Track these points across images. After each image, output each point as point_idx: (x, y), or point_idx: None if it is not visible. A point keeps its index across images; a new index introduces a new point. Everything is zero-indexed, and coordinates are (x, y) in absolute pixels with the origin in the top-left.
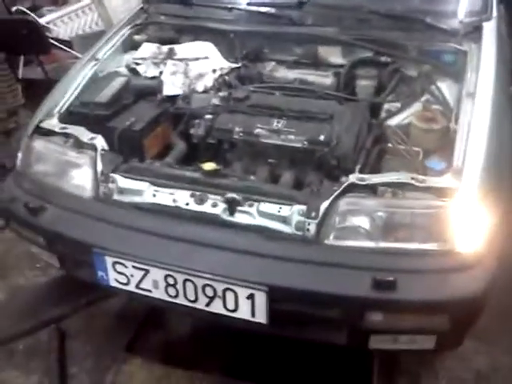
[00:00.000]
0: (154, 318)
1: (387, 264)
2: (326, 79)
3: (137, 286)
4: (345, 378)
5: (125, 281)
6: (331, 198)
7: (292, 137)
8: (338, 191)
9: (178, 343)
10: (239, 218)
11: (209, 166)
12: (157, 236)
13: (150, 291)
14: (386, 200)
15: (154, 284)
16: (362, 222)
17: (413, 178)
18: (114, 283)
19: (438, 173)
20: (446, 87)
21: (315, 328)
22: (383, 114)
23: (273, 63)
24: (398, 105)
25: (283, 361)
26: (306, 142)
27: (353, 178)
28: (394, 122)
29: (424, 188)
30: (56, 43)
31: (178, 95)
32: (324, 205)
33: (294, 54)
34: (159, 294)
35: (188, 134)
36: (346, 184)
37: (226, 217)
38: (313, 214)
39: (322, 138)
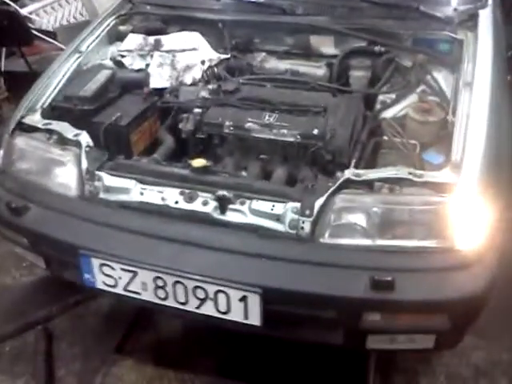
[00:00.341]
0: (144, 318)
1: (385, 263)
2: (319, 70)
3: (125, 289)
4: (340, 376)
5: (112, 283)
6: (326, 195)
7: (284, 131)
8: (333, 187)
9: (169, 343)
10: (231, 216)
11: (198, 162)
12: (145, 236)
13: (138, 293)
14: (383, 196)
15: (142, 286)
16: (359, 219)
17: (410, 173)
18: (101, 286)
19: (436, 167)
20: (442, 77)
21: (310, 329)
22: (378, 106)
23: (263, 54)
24: (393, 96)
25: (277, 360)
26: (298, 137)
27: (348, 173)
28: (389, 114)
29: (422, 183)
30: (39, 34)
31: (165, 88)
32: (319, 202)
33: (285, 44)
34: (148, 296)
35: (176, 128)
36: (341, 180)
37: (216, 215)
38: (307, 212)
39: (315, 131)
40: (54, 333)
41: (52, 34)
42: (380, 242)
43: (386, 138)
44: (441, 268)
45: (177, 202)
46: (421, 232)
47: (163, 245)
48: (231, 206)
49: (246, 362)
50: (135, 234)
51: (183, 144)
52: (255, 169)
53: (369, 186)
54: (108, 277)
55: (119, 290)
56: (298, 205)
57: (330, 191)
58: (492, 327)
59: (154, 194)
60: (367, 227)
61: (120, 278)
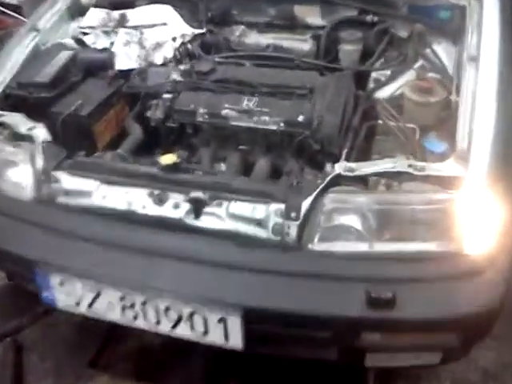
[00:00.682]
0: (120, 329)
1: (383, 272)
2: (304, 45)
3: (89, 308)
4: (339, 380)
5: (74, 302)
6: (314, 195)
7: (266, 118)
8: (322, 185)
9: (148, 355)
10: (206, 221)
11: (167, 158)
12: (109, 247)
13: (104, 313)
14: (380, 195)
15: (108, 306)
16: (352, 221)
17: (410, 166)
18: (62, 305)
19: (439, 157)
20: (442, 50)
21: (300, 346)
22: (371, 85)
23: (242, 27)
24: (388, 73)
25: (268, 365)
26: (282, 124)
27: (339, 167)
28: (383, 93)
29: (424, 177)
30: (2, 8)
31: (132, 69)
32: (306, 203)
33: (267, 15)
34: (116, 316)
35: (145, 117)
36: (330, 176)
37: (190, 220)
38: (292, 215)
39: (300, 118)
40: (23, 345)
41: (17, 8)
42: (377, 246)
43: (380, 121)
44: (448, 276)
45: (144, 207)
46: (424, 234)
47: (129, 257)
48: (206, 210)
49: (234, 370)
50: (98, 245)
51: (154, 134)
52: (234, 160)
53: (363, 181)
54: (69, 295)
55: (83, 310)
56: (282, 206)
57: (318, 190)
58: (502, 327)
59: (118, 197)
60: (362, 230)
61: (82, 296)
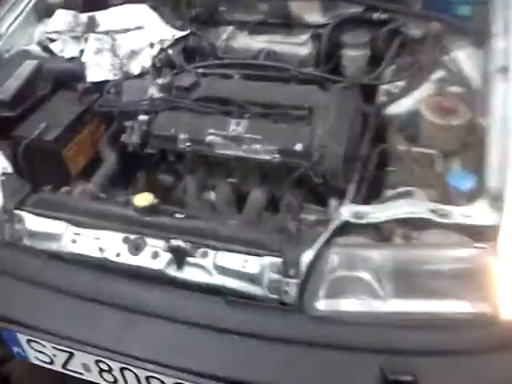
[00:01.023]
0: None
1: (403, 342)
2: (302, 49)
3: (64, 367)
4: None
5: (47, 360)
6: (317, 248)
7: (257, 146)
8: (326, 236)
9: None
10: (189, 273)
11: (142, 199)
12: (81, 301)
13: (81, 373)
14: (396, 250)
15: (84, 367)
16: (363, 279)
17: (432, 211)
18: (35, 361)
19: (465, 195)
20: (464, 57)
21: None
22: (381, 98)
23: (231, 28)
24: (402, 84)
25: None
26: (276, 155)
27: (346, 212)
28: (396, 109)
29: (449, 225)
30: None
31: (106, 81)
32: (306, 257)
33: (259, 11)
34: (94, 378)
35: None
36: (335, 225)
37: (171, 272)
38: (291, 272)
39: (298, 147)
40: (11, 376)
41: None
42: (392, 310)
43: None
44: (483, 348)
45: (119, 255)
46: (451, 295)
47: (103, 314)
48: (190, 260)
49: None
50: (67, 298)
51: (131, 159)
52: (225, 191)
53: (376, 228)
54: (41, 353)
55: (58, 368)
56: (278, 260)
57: (321, 242)
58: None
59: (90, 242)
60: (375, 287)
61: (55, 355)
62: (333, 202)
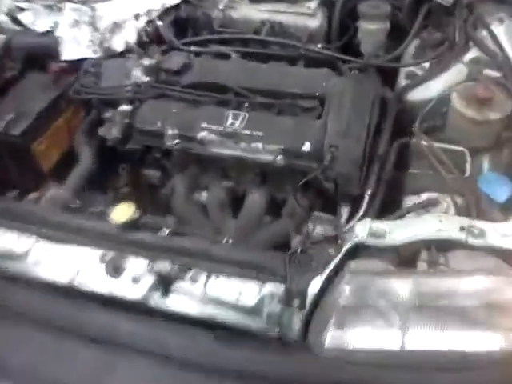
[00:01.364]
0: None
1: None
2: (312, 20)
3: None
4: None
5: None
6: (325, 275)
7: (258, 145)
8: (336, 261)
9: None
10: (176, 302)
11: (122, 213)
12: (49, 334)
13: None
14: (420, 278)
15: None
16: (379, 312)
17: (463, 229)
18: None
19: (500, 208)
20: (505, 33)
21: None
22: (402, 81)
23: None
24: (427, 65)
25: None
26: (280, 156)
27: (361, 230)
28: (419, 94)
29: (483, 248)
30: None
31: (84, 59)
32: (313, 286)
33: None
34: None
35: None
36: (348, 246)
37: (155, 300)
38: (295, 302)
39: (306, 147)
40: None
41: None
42: (414, 345)
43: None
44: None
45: (94, 278)
46: (485, 329)
47: (75, 351)
48: (176, 286)
49: None
50: (34, 330)
51: (112, 154)
52: (218, 193)
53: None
54: None
55: None
56: (279, 288)
57: (330, 268)
58: None
59: (60, 263)
60: (393, 322)
61: None
62: (344, 210)
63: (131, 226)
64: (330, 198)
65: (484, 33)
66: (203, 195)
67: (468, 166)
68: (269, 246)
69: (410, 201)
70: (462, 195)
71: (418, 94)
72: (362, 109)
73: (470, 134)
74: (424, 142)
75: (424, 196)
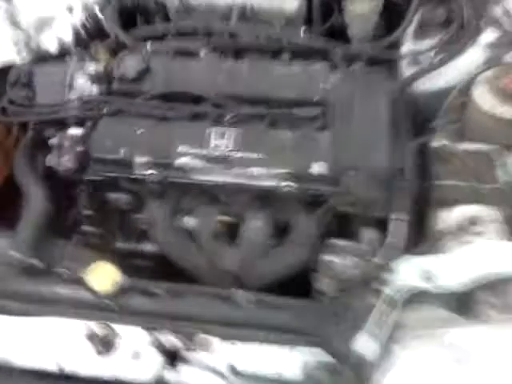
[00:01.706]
0: None
1: None
2: (289, 1)
3: None
4: None
5: None
6: (384, 340)
7: (256, 170)
8: (393, 318)
9: None
10: (188, 375)
11: (103, 279)
12: None
13: None
14: (495, 330)
15: None
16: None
17: None
18: None
19: None
20: None
21: None
22: (404, 69)
23: None
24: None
25: None
26: (283, 182)
27: (408, 272)
28: (428, 84)
29: None
30: None
31: (8, 68)
32: (371, 353)
33: None
34: None
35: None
36: (401, 299)
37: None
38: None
39: (315, 169)
40: None
41: None
42: None
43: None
44: None
45: (81, 361)
46: None
47: None
48: (187, 356)
49: None
50: None
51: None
52: (210, 222)
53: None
54: None
55: None
56: (324, 356)
57: (389, 326)
58: None
59: (33, 344)
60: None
61: None
62: (367, 234)
63: (118, 293)
64: (344, 218)
65: (499, 8)
66: (189, 221)
67: (500, 172)
68: (277, 278)
69: (441, 218)
70: (497, 206)
71: (424, 85)
72: (378, 114)
73: (495, 133)
74: (445, 142)
75: (457, 210)
